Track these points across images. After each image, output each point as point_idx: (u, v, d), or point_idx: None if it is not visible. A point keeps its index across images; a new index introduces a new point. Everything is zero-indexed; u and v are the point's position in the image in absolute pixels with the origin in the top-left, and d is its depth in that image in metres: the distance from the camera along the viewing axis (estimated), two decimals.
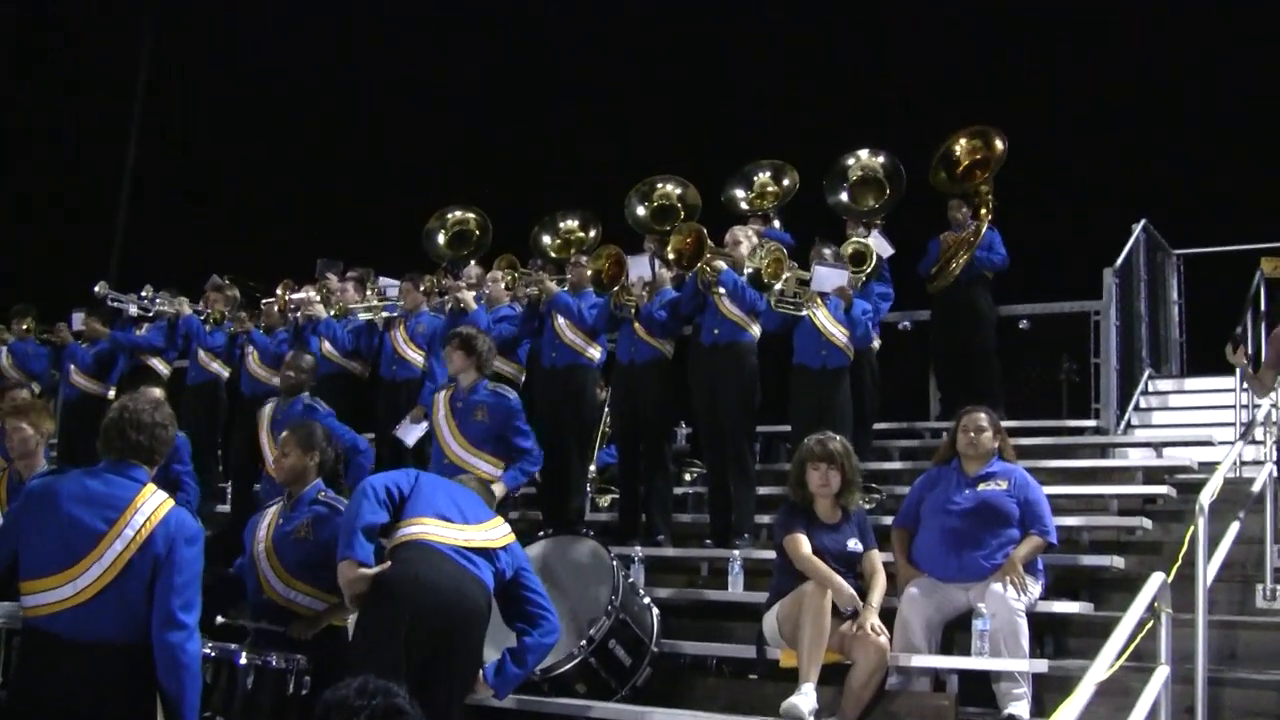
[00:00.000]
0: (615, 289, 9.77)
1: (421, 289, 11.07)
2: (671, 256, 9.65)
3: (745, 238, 9.73)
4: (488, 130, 21.15)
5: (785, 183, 11.91)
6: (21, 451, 7.64)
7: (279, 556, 6.56)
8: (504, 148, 20.89)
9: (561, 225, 12.05)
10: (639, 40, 20.46)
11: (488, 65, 21.61)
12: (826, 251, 9.73)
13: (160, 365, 12.60)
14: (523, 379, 10.58)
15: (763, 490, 9.69)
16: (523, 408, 8.66)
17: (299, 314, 11.39)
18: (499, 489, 7.92)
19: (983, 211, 11.14)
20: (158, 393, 9.65)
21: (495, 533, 6.38)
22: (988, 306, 11.39)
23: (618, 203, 11.67)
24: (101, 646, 4.87)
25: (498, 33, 21.84)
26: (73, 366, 12.62)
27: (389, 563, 5.99)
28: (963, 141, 11.35)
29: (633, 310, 9.74)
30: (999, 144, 11.17)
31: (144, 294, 12.80)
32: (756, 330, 9.47)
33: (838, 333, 9.38)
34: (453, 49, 21.34)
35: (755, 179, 12.00)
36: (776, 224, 11.67)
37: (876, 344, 10.49)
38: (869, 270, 10.19)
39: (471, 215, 12.55)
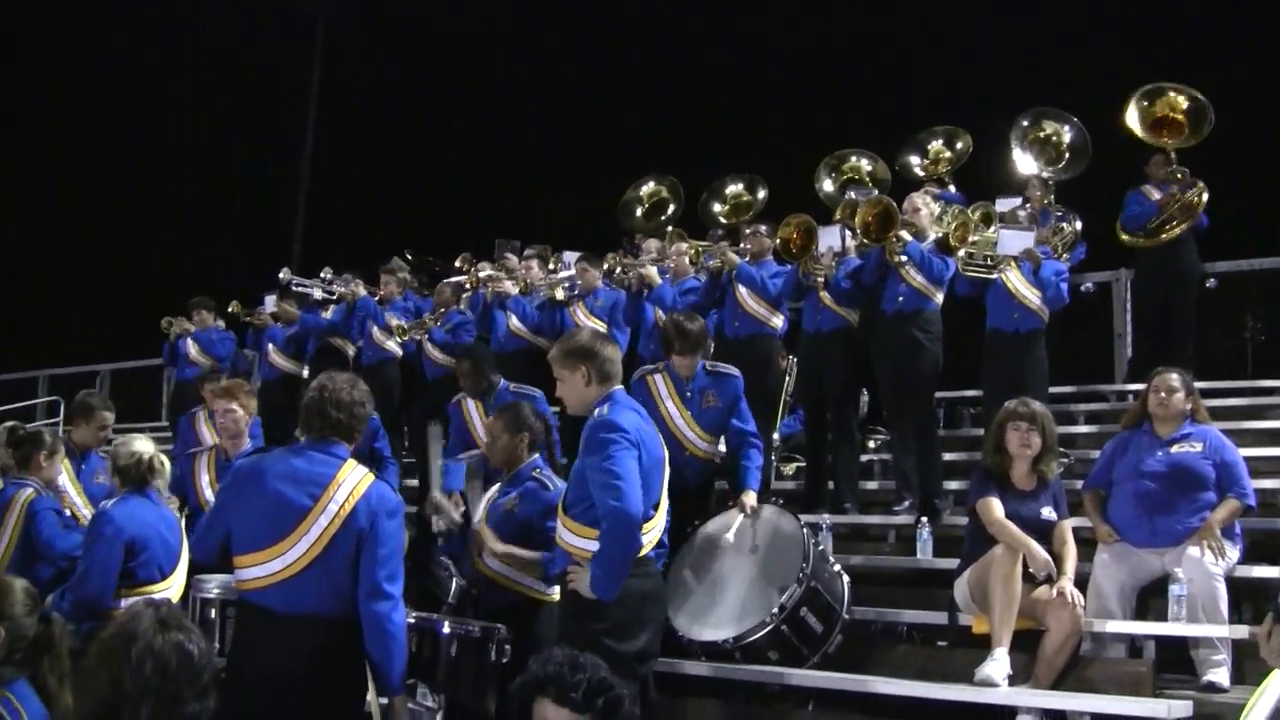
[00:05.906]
0: (805, 259, 9.78)
1: (603, 269, 11.27)
2: (859, 228, 9.63)
3: (924, 204, 9.71)
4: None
5: (959, 146, 12.05)
6: (233, 431, 8.00)
7: (489, 527, 6.78)
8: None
9: (728, 190, 12.17)
10: None
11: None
12: (1022, 214, 9.65)
13: (346, 346, 12.98)
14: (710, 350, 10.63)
15: (947, 457, 9.67)
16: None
17: (487, 291, 11.61)
18: (749, 499, 7.70)
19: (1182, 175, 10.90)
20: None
21: None
22: (1194, 266, 11.23)
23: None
24: (311, 618, 5.09)
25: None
26: (271, 347, 13.20)
27: None
28: (1176, 97, 11.07)
29: (821, 280, 9.73)
30: (1189, 131, 10.93)
31: (324, 275, 13.32)
32: (940, 298, 9.39)
33: (1030, 295, 9.31)
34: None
35: (930, 146, 12.12)
36: (952, 188, 11.68)
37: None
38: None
39: (665, 185, 12.77)
